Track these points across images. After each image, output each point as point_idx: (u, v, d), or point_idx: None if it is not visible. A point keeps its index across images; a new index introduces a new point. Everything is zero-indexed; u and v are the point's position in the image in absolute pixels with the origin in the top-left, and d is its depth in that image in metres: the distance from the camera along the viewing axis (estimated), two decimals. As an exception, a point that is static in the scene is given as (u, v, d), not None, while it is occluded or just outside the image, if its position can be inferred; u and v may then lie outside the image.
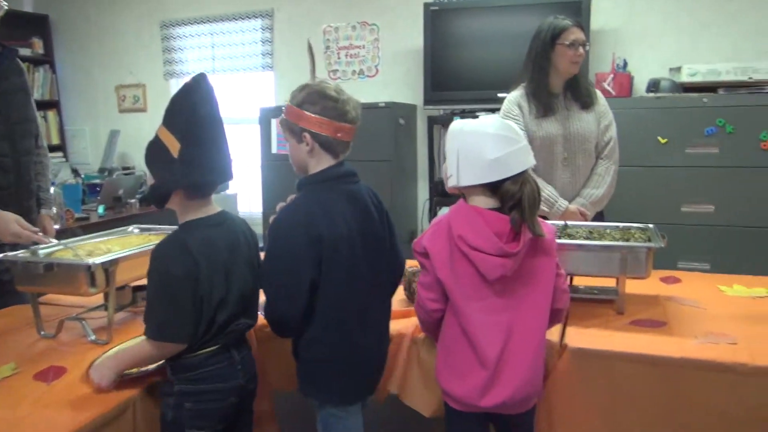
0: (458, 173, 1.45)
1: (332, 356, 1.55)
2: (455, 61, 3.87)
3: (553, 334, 1.70)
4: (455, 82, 3.87)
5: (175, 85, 5.08)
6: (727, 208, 3.25)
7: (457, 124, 1.49)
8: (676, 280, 2.25)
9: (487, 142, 1.42)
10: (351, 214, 1.54)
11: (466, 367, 1.44)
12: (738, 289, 2.12)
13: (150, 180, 1.57)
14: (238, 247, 1.55)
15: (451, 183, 1.49)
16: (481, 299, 1.43)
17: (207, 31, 4.86)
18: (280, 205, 1.59)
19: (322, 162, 1.55)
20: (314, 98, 1.52)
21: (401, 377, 1.76)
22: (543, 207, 2.32)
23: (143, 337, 1.48)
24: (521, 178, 1.41)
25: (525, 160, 1.44)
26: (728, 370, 1.51)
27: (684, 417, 1.55)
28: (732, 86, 3.22)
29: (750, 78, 3.16)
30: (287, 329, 1.56)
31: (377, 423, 2.33)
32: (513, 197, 1.40)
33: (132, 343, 1.65)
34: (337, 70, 4.55)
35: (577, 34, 2.27)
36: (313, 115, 1.51)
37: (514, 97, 2.41)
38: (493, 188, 1.43)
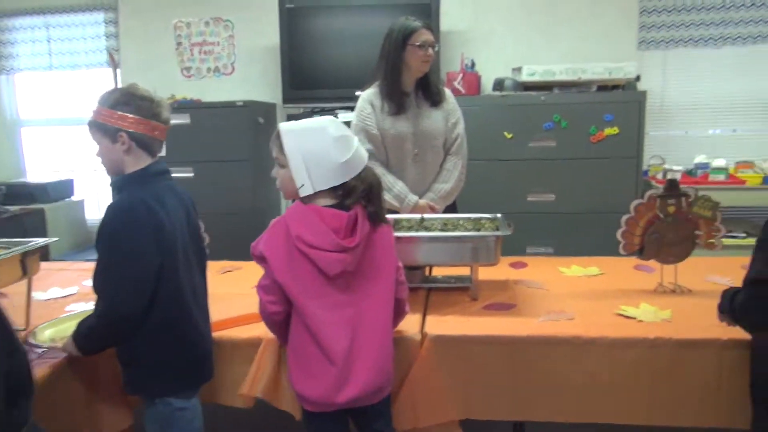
0: (311, 180, 1.46)
1: (175, 343, 1.57)
2: (313, 59, 3.88)
3: (415, 324, 1.78)
4: (314, 80, 3.88)
5: (5, 82, 4.60)
6: (567, 197, 3.58)
7: (292, 129, 1.49)
8: (524, 265, 2.43)
9: (332, 145, 1.45)
10: (178, 205, 1.63)
11: (316, 367, 1.46)
12: (575, 269, 2.34)
13: None
14: None
15: (304, 192, 1.47)
16: (324, 296, 1.45)
17: (42, 24, 4.44)
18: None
19: (140, 161, 1.60)
20: (127, 99, 1.57)
21: (270, 380, 1.73)
22: (394, 202, 2.41)
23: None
24: (362, 173, 1.49)
25: (363, 155, 1.51)
26: (567, 342, 1.67)
27: (531, 388, 1.69)
28: (565, 85, 3.54)
29: (580, 78, 3.49)
30: (129, 328, 1.52)
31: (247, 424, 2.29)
32: (359, 191, 1.46)
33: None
34: (190, 68, 4.37)
35: (426, 36, 2.37)
36: (128, 115, 1.56)
37: (367, 96, 2.46)
38: (334, 187, 1.47)
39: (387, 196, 2.42)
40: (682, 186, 2.03)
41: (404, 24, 2.38)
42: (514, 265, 2.44)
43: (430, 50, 2.37)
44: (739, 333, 1.57)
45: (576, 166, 3.54)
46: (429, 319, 1.84)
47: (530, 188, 3.59)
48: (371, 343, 1.48)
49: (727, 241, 3.47)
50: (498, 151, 3.57)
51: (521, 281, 2.20)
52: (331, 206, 1.46)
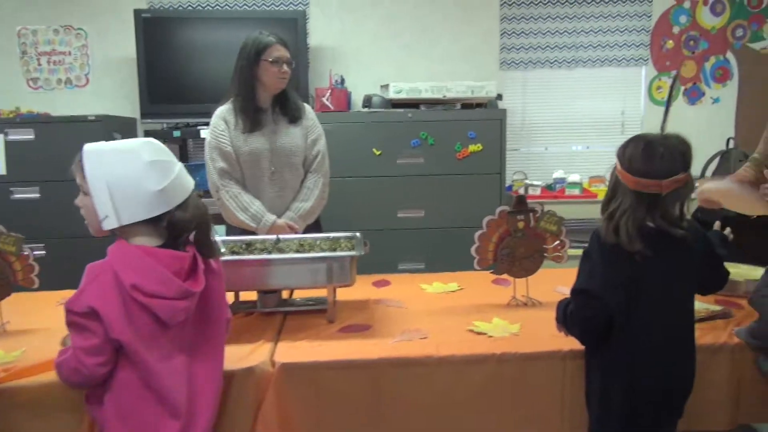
0: (116, 212, 1.28)
1: None
2: (174, 72, 3.69)
3: (265, 353, 1.68)
4: (175, 94, 3.69)
5: None
6: (435, 212, 3.64)
7: (96, 150, 1.31)
8: (386, 283, 2.41)
9: (144, 171, 1.28)
10: None
11: (154, 425, 1.30)
12: (437, 286, 2.36)
13: None
14: None
15: (108, 225, 1.30)
16: (160, 347, 1.30)
17: None
18: None
19: None
20: None
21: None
22: (251, 223, 2.31)
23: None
24: (188, 203, 1.34)
25: (188, 183, 1.37)
26: (418, 363, 1.65)
27: (385, 412, 1.64)
28: (431, 103, 3.61)
29: (444, 96, 3.57)
30: None
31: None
32: (187, 227, 1.31)
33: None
34: (38, 78, 4.01)
35: (280, 52, 2.30)
36: None
37: (220, 112, 2.35)
38: (155, 221, 1.31)
39: (242, 217, 2.32)
40: (530, 201, 2.10)
41: (257, 39, 2.30)
42: (377, 283, 2.41)
43: (285, 67, 2.31)
44: (578, 344, 1.63)
45: (443, 182, 3.61)
46: (281, 345, 1.75)
47: (400, 205, 3.61)
48: (209, 389, 1.37)
49: (577, 252, 3.71)
50: (367, 167, 3.56)
51: (381, 300, 2.17)
52: (163, 246, 1.31)
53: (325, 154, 2.49)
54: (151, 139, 1.37)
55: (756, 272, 2.23)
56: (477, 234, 2.06)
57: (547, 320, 1.84)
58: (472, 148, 3.58)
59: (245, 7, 3.95)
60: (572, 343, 1.65)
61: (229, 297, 2.04)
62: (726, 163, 3.70)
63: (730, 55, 4.19)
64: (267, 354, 1.68)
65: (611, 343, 1.53)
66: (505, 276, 2.14)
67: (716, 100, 4.22)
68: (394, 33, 4.07)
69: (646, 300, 1.50)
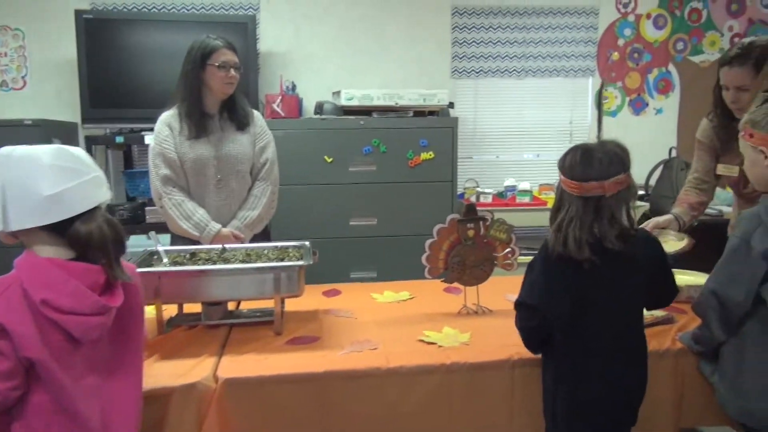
0: (4, 214, 1.19)
1: None
2: (117, 75, 3.56)
3: (207, 368, 1.62)
4: (118, 98, 3.56)
5: None
6: (388, 220, 3.61)
7: (4, 152, 1.23)
8: (337, 293, 2.37)
9: (41, 174, 1.20)
10: None
11: None
12: (388, 295, 2.33)
13: None
14: None
15: None
16: (72, 366, 1.21)
17: None
18: None
19: None
20: None
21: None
22: (194, 231, 2.24)
23: None
24: (92, 216, 1.24)
25: (94, 194, 1.27)
26: (368, 375, 1.62)
27: (333, 426, 1.61)
28: (383, 110, 3.59)
29: (396, 103, 3.56)
30: None
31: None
32: (82, 240, 1.20)
33: None
34: (-30, 81, 3.81)
35: (228, 56, 2.24)
36: None
37: (165, 118, 2.28)
38: (60, 232, 1.22)
39: (186, 225, 2.24)
40: (481, 209, 2.10)
41: (204, 42, 2.24)
42: (327, 293, 2.36)
43: (233, 71, 2.25)
44: (528, 351, 1.63)
45: (396, 190, 3.60)
46: (225, 360, 1.69)
47: (352, 213, 3.58)
48: (127, 411, 1.30)
49: (528, 259, 3.75)
50: (319, 175, 3.51)
51: (331, 311, 2.13)
52: (75, 260, 1.22)
53: (275, 162, 2.44)
54: (67, 147, 1.27)
55: (699, 279, 2.29)
56: (427, 243, 2.04)
57: (497, 328, 1.86)
58: (424, 155, 3.58)
59: (193, 10, 3.86)
60: (521, 352, 1.66)
61: (173, 309, 1.98)
62: (669, 171, 3.82)
63: (672, 68, 4.33)
64: (210, 369, 1.62)
65: (560, 351, 1.54)
66: (455, 284, 2.13)
67: (659, 111, 4.36)
68: (347, 39, 4.05)
69: (594, 309, 1.51)
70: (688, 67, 4.33)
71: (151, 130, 2.34)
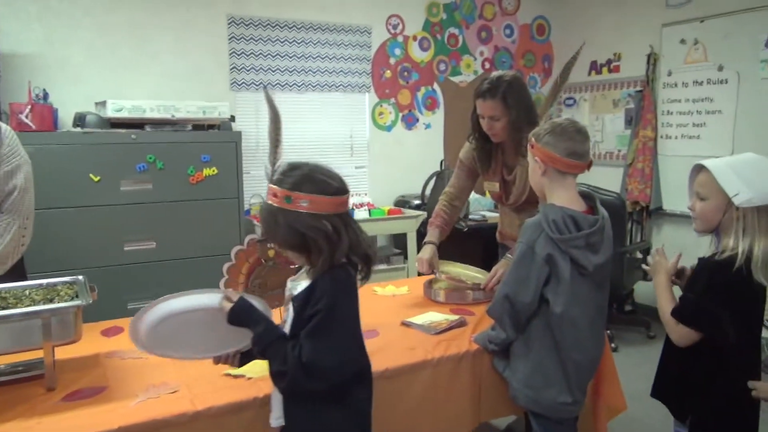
0: None
1: None
2: None
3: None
4: None
5: None
6: (169, 243, 3.32)
7: None
8: (119, 330, 2.07)
9: None
10: None
11: None
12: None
13: None
14: None
15: None
16: None
17: None
18: None
19: None
20: None
21: None
22: None
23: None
24: None
25: None
26: (172, 424, 1.43)
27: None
28: (158, 123, 3.30)
29: (173, 116, 3.30)
30: None
31: None
32: None
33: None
34: None
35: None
36: None
37: None
38: None
39: None
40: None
41: None
42: (106, 332, 2.06)
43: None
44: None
45: (177, 210, 3.32)
46: (-20, 433, 1.36)
47: (127, 237, 3.21)
48: None
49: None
50: (84, 196, 3.09)
51: (115, 352, 1.85)
52: None
53: (26, 190, 2.04)
54: None
55: (479, 275, 2.49)
56: (225, 266, 1.90)
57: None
58: (207, 171, 3.37)
59: None
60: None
61: None
62: (441, 182, 4.14)
63: (436, 86, 4.72)
64: None
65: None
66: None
67: (428, 126, 4.71)
68: (111, 46, 3.63)
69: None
70: (449, 86, 4.76)
71: None
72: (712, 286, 1.53)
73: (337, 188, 1.37)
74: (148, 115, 3.25)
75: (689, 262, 1.70)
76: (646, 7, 4.32)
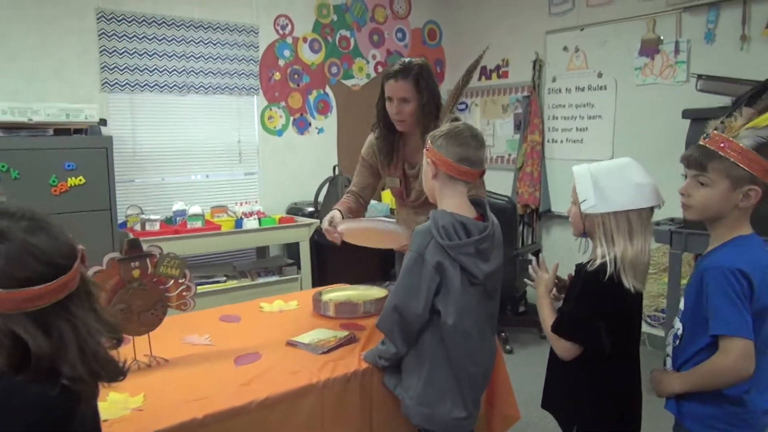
0: None
1: None
2: None
3: None
4: None
5: None
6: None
7: None
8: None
9: None
10: None
11: None
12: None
13: None
14: None
15: None
16: None
17: None
18: None
19: None
20: None
21: None
22: None
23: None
24: None
25: None
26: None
27: None
28: (11, 128, 2.93)
29: (30, 119, 2.95)
30: None
31: None
32: None
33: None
34: None
35: None
36: None
37: None
38: None
39: None
40: (149, 239, 1.81)
41: None
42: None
43: None
44: (217, 406, 1.42)
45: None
46: None
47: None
48: None
49: (207, 288, 3.53)
50: None
51: None
52: None
53: None
54: None
55: (371, 292, 2.39)
56: (80, 291, 1.65)
57: (177, 381, 1.60)
58: (72, 181, 3.04)
59: None
60: (207, 408, 1.44)
61: None
62: (334, 188, 4.02)
63: (328, 90, 4.60)
64: None
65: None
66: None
67: (321, 130, 4.57)
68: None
69: None
70: (341, 89, 4.65)
71: None
72: (586, 294, 1.50)
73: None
74: (2, 118, 2.88)
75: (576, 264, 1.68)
76: (532, 14, 4.43)
